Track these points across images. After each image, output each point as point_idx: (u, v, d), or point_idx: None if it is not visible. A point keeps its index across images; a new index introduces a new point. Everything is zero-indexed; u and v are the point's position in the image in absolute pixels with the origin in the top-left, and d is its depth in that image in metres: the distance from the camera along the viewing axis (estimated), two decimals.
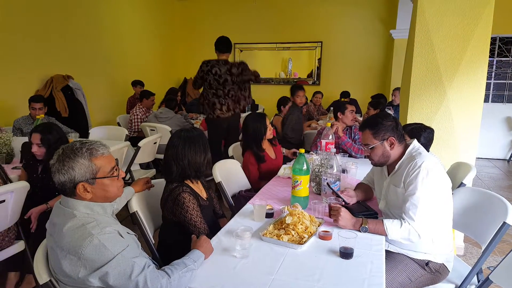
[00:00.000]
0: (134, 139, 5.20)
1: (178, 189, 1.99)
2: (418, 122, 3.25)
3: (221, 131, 4.69)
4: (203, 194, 2.19)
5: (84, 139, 1.52)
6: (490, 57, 6.86)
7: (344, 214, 1.94)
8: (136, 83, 6.98)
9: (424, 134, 2.67)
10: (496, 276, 1.65)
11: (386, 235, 1.87)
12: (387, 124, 2.03)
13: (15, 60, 5.03)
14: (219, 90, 4.52)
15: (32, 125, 4.09)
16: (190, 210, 1.96)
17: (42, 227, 1.55)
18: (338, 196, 2.17)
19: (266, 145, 3.28)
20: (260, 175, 3.19)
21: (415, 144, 2.06)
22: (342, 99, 7.24)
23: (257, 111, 5.62)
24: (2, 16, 4.81)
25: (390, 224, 1.86)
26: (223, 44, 4.59)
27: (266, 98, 8.51)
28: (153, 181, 2.31)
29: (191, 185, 2.09)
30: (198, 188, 2.17)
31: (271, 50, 9.04)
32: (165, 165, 2.11)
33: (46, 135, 2.71)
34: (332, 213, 1.99)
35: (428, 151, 2.71)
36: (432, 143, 2.74)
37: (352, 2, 8.23)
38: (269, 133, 3.24)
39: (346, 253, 1.65)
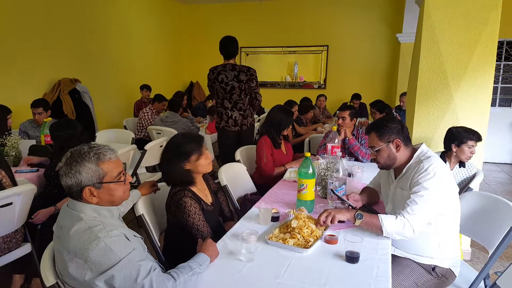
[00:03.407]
0: (140, 141, 5.23)
1: (180, 193, 1.99)
2: (424, 126, 3.26)
3: (230, 143, 4.11)
4: (208, 199, 2.18)
5: (93, 142, 1.53)
6: (497, 61, 6.82)
7: (334, 209, 1.94)
8: (144, 87, 7.06)
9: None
10: (503, 281, 1.64)
11: (381, 228, 1.83)
12: (392, 126, 2.04)
13: (22, 64, 5.08)
14: (225, 100, 4.03)
15: (38, 128, 4.12)
16: (192, 214, 1.96)
17: (49, 230, 1.56)
18: (343, 201, 2.16)
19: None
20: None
21: (423, 148, 2.06)
22: (350, 102, 7.24)
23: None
24: (10, 20, 4.87)
25: (385, 217, 1.85)
26: (225, 49, 4.03)
27: (272, 101, 8.47)
28: (159, 184, 2.32)
29: (193, 189, 2.09)
30: (203, 192, 2.17)
31: (277, 54, 9.06)
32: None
33: (52, 130, 2.90)
34: (326, 218, 1.90)
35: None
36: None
37: (358, 5, 8.23)
38: (288, 129, 3.45)
39: (352, 257, 1.64)
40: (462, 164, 2.89)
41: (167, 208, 2.07)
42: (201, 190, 2.16)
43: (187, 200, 1.97)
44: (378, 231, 1.85)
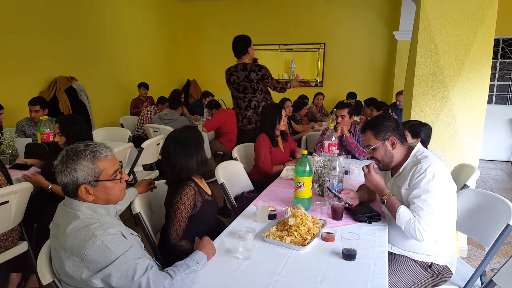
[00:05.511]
0: (137, 139, 5.23)
1: (186, 182, 1.97)
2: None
3: (248, 142, 3.95)
4: (208, 190, 2.16)
5: (89, 141, 1.52)
6: (493, 58, 6.83)
7: (375, 175, 2.05)
8: (141, 85, 7.05)
9: (424, 130, 2.78)
10: (499, 278, 1.64)
11: (395, 214, 1.91)
12: (387, 124, 2.04)
13: (18, 62, 5.05)
14: (239, 100, 4.12)
15: (35, 126, 4.11)
16: (182, 204, 1.91)
17: (46, 228, 1.55)
18: (340, 198, 2.16)
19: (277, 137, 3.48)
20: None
21: (419, 146, 2.06)
22: (346, 101, 7.24)
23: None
24: (6, 17, 4.84)
25: (404, 208, 1.90)
26: (235, 46, 4.10)
27: None
28: (156, 183, 2.32)
29: (197, 180, 2.07)
30: (203, 184, 2.15)
31: (274, 51, 9.04)
32: (164, 169, 2.10)
33: (64, 125, 2.82)
34: (368, 169, 2.08)
35: (426, 147, 2.77)
36: (430, 139, 2.85)
37: (355, 3, 8.23)
38: (283, 123, 3.39)
39: (349, 255, 1.65)
40: None
41: (168, 202, 2.03)
42: (200, 181, 2.13)
43: (187, 190, 1.94)
44: (393, 215, 1.93)
